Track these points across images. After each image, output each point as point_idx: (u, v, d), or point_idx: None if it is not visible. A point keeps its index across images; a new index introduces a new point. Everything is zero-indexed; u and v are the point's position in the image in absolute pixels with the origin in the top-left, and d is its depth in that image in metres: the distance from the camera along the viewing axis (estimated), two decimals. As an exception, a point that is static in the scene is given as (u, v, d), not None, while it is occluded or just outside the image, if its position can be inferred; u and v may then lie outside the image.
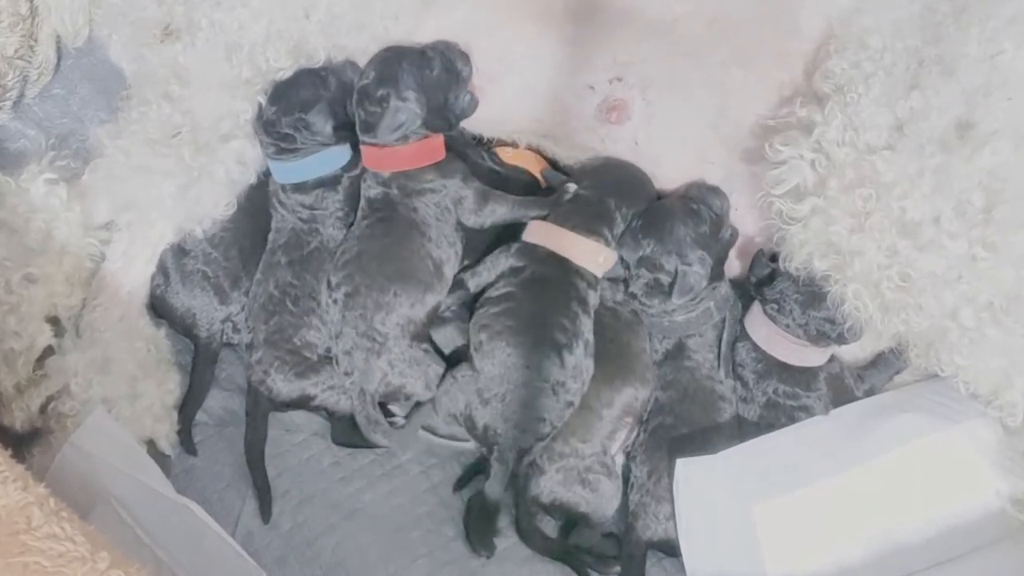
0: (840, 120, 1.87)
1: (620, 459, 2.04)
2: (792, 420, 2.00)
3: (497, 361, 1.97)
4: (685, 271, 2.00)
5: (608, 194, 2.09)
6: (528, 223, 2.10)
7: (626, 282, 2.09)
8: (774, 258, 2.02)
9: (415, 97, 2.03)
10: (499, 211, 2.11)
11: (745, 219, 2.10)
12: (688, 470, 1.92)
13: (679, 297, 2.01)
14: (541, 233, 2.08)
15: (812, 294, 1.96)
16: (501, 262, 2.08)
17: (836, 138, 1.87)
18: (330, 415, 2.09)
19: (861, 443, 1.93)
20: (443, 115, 2.10)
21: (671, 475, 1.94)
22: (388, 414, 2.07)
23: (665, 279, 2.03)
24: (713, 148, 2.10)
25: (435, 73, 2.06)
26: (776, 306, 2.01)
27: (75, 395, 2.00)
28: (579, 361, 1.98)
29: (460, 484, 2.06)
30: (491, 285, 2.08)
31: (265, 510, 2.00)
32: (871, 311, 1.88)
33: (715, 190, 2.09)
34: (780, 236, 1.95)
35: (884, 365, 2.06)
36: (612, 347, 2.04)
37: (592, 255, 2.06)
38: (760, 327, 2.04)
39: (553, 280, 2.03)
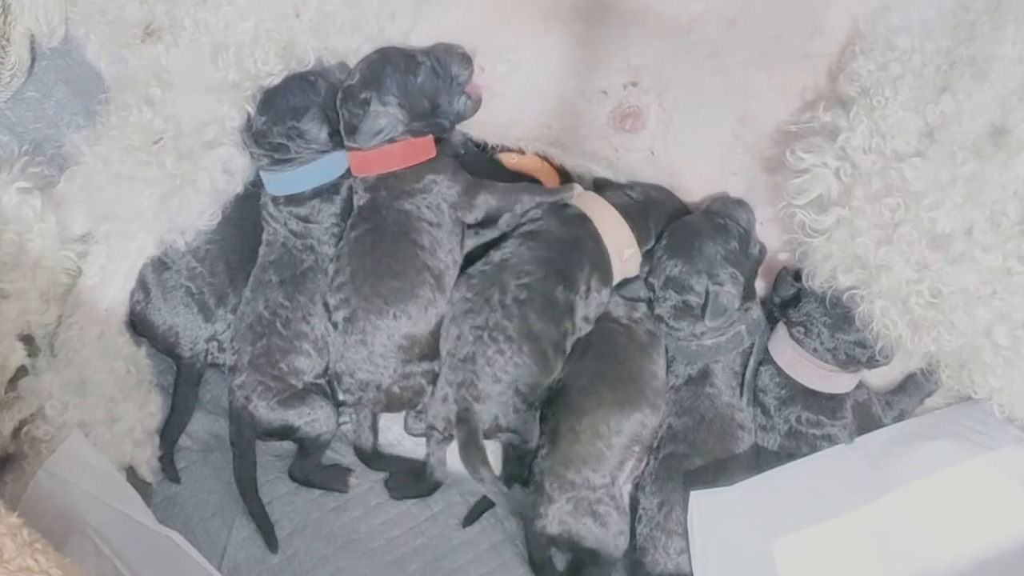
0: (866, 125, 1.88)
1: (627, 489, 2.06)
2: (814, 450, 2.00)
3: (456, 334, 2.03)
4: (717, 291, 2.01)
5: (648, 203, 2.13)
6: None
7: (651, 304, 2.09)
8: (798, 276, 2.02)
9: (397, 103, 2.06)
10: (491, 201, 2.12)
11: (770, 233, 2.11)
12: (703, 503, 1.93)
13: (712, 320, 2.01)
14: (584, 199, 2.12)
15: (841, 316, 1.96)
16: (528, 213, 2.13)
17: (862, 145, 1.88)
18: (301, 446, 2.11)
19: (887, 473, 1.93)
20: (433, 121, 2.12)
21: (684, 507, 1.94)
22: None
23: (695, 301, 2.03)
24: (734, 157, 2.11)
25: (420, 80, 2.08)
26: (803, 329, 2.01)
27: (50, 419, 2.01)
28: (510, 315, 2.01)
29: (470, 519, 2.07)
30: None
31: (270, 541, 2.02)
32: (900, 329, 1.88)
33: (740, 203, 2.11)
34: (803, 250, 1.96)
35: (914, 388, 2.07)
36: (623, 369, 2.06)
37: (622, 242, 2.08)
38: (785, 351, 2.05)
39: (561, 241, 2.06)
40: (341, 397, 2.10)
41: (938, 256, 1.83)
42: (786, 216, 1.97)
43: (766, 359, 2.08)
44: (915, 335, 1.88)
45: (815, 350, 2.01)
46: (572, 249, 2.06)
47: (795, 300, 2.03)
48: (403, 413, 2.12)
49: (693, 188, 2.16)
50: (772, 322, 2.11)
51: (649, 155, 2.15)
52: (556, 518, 1.98)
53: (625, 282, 2.12)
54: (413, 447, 2.13)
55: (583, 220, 2.09)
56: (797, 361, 2.03)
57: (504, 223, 2.14)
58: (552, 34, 2.13)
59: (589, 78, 2.14)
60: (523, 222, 2.12)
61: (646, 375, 2.07)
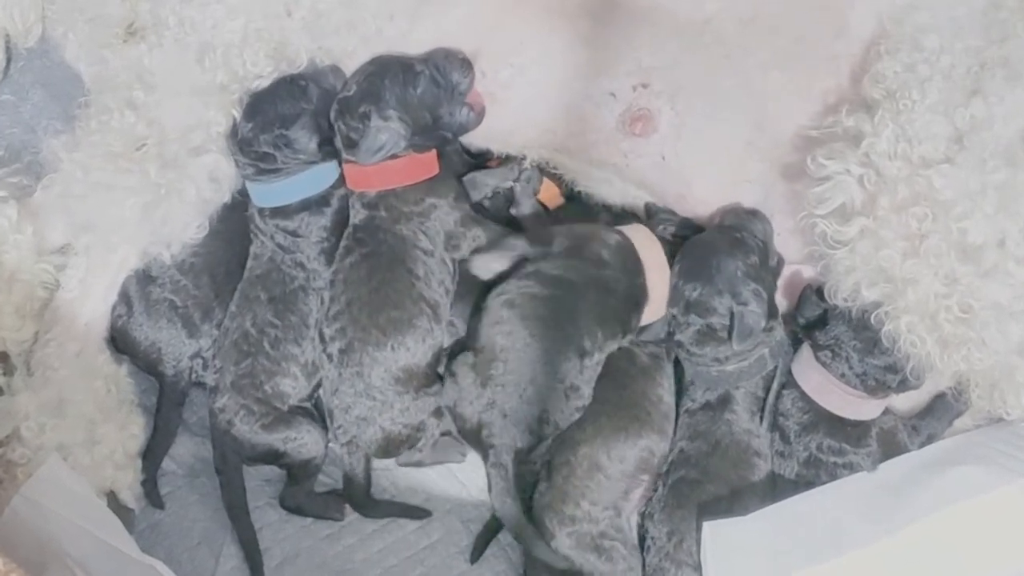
0: (892, 130, 1.88)
1: (634, 519, 2.06)
2: (833, 478, 2.00)
3: (514, 349, 1.99)
4: (742, 312, 1.99)
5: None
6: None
7: (671, 332, 2.08)
8: (822, 295, 2.01)
9: (398, 116, 2.06)
10: (482, 238, 2.13)
11: (790, 245, 2.11)
12: (716, 533, 1.92)
13: (740, 342, 1.99)
14: (640, 235, 2.11)
15: (871, 339, 1.96)
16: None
17: (887, 151, 1.88)
18: (291, 473, 2.12)
19: (912, 501, 1.91)
20: (434, 134, 2.12)
21: (695, 536, 1.94)
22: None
23: (718, 324, 2.02)
24: (750, 164, 2.11)
25: (419, 91, 2.08)
26: (830, 353, 2.01)
27: (26, 441, 2.02)
28: (595, 366, 2.03)
29: (475, 553, 2.08)
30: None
31: (257, 573, 2.03)
32: (928, 347, 1.88)
33: (754, 213, 2.10)
34: (824, 263, 1.96)
35: (942, 410, 2.06)
36: (625, 394, 2.07)
37: (662, 284, 2.08)
38: (811, 375, 2.05)
39: (625, 295, 2.06)
40: (333, 436, 2.10)
41: (968, 269, 1.84)
42: (807, 227, 1.97)
43: (789, 382, 2.08)
44: (944, 353, 1.88)
45: (843, 375, 2.00)
46: (630, 301, 2.06)
47: (821, 321, 2.02)
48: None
49: (706, 196, 2.16)
50: (794, 342, 2.11)
51: (660, 160, 2.15)
52: (558, 555, 1.98)
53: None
54: (407, 472, 2.15)
55: (639, 268, 2.08)
56: (823, 386, 2.03)
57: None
58: (557, 34, 2.13)
59: (596, 80, 2.14)
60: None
61: (651, 399, 2.07)
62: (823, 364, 2.02)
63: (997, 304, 1.83)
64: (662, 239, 2.12)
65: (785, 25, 2.05)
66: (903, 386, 1.99)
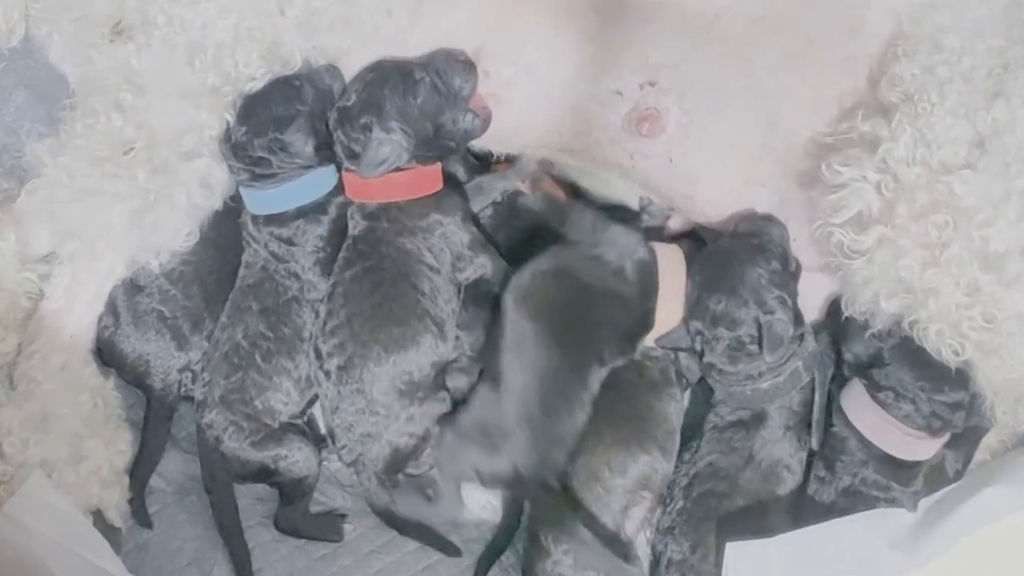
0: (910, 135, 1.85)
1: (647, 536, 2.03)
2: (869, 509, 1.93)
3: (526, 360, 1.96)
4: (770, 321, 1.95)
5: None
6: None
7: (700, 353, 2.04)
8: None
9: (400, 128, 2.03)
10: (488, 267, 2.10)
11: (805, 255, 2.08)
12: (740, 555, 1.89)
13: (771, 353, 1.95)
14: (669, 256, 2.09)
15: (937, 376, 1.89)
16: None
17: (905, 156, 1.85)
18: (283, 493, 2.09)
19: (942, 527, 1.86)
20: (437, 144, 2.09)
21: (721, 550, 1.89)
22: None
23: (747, 336, 1.98)
24: (763, 167, 2.08)
25: (420, 100, 2.04)
26: (892, 393, 1.93)
27: (9, 457, 1.99)
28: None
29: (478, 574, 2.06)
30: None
31: None
32: (969, 354, 1.84)
33: (770, 218, 2.07)
34: (842, 273, 1.93)
35: (971, 431, 2.00)
36: (629, 406, 2.04)
37: (676, 304, 2.05)
38: (865, 414, 1.97)
39: (631, 298, 2.03)
40: (338, 457, 2.07)
41: (991, 278, 1.82)
42: (822, 236, 1.94)
43: (841, 419, 1.99)
44: (985, 359, 1.85)
45: (907, 416, 1.92)
46: (639, 324, 2.03)
47: (879, 360, 1.96)
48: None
49: (714, 199, 2.14)
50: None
51: (667, 162, 2.12)
52: (555, 575, 1.95)
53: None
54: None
55: (654, 291, 2.04)
56: (879, 425, 1.95)
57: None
58: (562, 31, 2.11)
59: (602, 79, 2.11)
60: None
61: (655, 414, 2.04)
62: (882, 404, 1.94)
63: (1021, 314, 1.81)
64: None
65: (798, 23, 2.03)
66: (968, 421, 1.93)
